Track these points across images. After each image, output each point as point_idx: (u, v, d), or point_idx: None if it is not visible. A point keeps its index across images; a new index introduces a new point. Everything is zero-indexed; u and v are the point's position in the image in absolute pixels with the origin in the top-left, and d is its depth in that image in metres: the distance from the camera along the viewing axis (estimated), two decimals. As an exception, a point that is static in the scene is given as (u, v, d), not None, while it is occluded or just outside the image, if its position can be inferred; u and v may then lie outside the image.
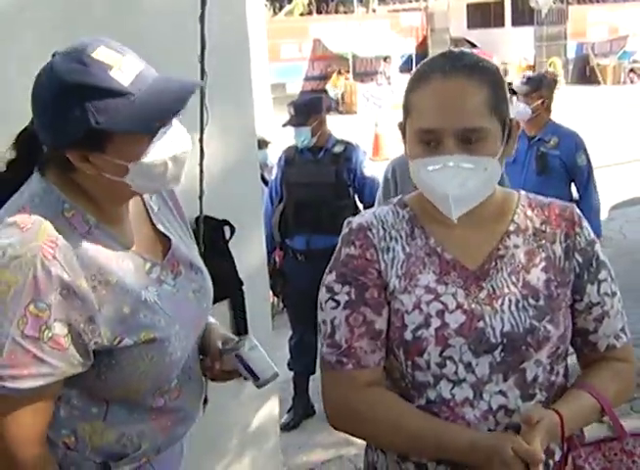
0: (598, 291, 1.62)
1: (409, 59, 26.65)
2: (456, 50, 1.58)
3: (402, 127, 1.57)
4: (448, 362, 1.51)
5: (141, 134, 1.45)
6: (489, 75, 1.50)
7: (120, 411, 1.58)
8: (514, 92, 4.83)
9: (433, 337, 1.51)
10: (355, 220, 1.63)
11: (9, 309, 1.38)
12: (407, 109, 1.53)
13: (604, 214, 6.89)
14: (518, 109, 4.77)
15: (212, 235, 2.77)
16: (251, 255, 3.03)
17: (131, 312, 1.49)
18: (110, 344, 1.47)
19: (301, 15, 32.89)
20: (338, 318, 1.55)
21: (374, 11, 33.04)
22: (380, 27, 27.99)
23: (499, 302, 1.53)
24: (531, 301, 1.54)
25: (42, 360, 1.40)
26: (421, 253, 1.57)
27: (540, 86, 4.88)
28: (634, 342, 1.72)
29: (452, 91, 1.46)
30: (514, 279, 1.56)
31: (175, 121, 1.51)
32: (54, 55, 1.46)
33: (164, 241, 1.66)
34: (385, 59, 26.43)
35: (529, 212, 1.64)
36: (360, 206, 4.52)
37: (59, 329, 1.41)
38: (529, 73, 5.63)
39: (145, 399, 1.60)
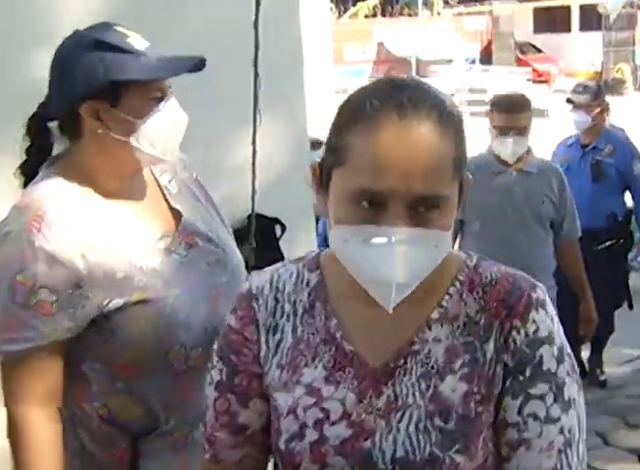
0: (520, 409, 1.15)
1: (473, 62, 26.53)
2: (409, 79, 1.17)
3: (321, 173, 1.15)
4: None
5: (150, 93, 1.62)
6: (455, 123, 1.12)
7: (144, 385, 1.68)
8: (571, 101, 4.84)
9: (307, 452, 1.16)
10: (250, 280, 1.27)
11: (2, 279, 1.55)
12: (338, 152, 1.10)
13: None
14: (576, 118, 4.78)
15: (264, 232, 2.89)
16: (301, 252, 3.12)
17: (124, 277, 1.61)
18: (99, 305, 1.59)
19: (366, 17, 32.98)
20: (209, 397, 1.25)
21: (439, 14, 32.98)
22: (444, 31, 27.95)
23: (397, 416, 1.15)
24: (438, 421, 1.14)
25: (29, 325, 1.55)
26: (315, 338, 1.19)
27: (600, 95, 4.89)
28: None
29: (411, 142, 1.06)
30: (423, 386, 1.15)
31: (174, 100, 1.67)
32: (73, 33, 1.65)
33: (178, 216, 1.77)
34: (448, 62, 26.37)
35: (465, 295, 1.19)
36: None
37: (45, 295, 1.55)
38: (584, 82, 5.63)
39: (159, 363, 1.67)
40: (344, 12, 34.21)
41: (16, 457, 1.61)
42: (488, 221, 3.46)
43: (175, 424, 1.72)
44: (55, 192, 1.61)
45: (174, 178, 1.82)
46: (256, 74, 2.48)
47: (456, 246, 3.38)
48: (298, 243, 3.09)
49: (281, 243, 3.01)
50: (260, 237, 2.82)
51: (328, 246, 1.18)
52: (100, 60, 1.57)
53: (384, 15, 33.37)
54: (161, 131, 1.64)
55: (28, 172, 1.70)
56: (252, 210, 2.74)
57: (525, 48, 29.97)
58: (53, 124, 1.70)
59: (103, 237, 1.61)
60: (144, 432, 1.71)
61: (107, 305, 1.60)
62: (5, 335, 1.56)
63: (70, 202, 1.61)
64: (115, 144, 1.63)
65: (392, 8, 35.11)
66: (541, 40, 30.44)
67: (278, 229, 3.00)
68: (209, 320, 1.70)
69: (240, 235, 2.83)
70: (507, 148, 3.40)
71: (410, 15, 31.96)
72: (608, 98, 5.02)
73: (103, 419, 1.68)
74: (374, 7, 34.40)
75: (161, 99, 1.63)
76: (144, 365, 1.67)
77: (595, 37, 27.85)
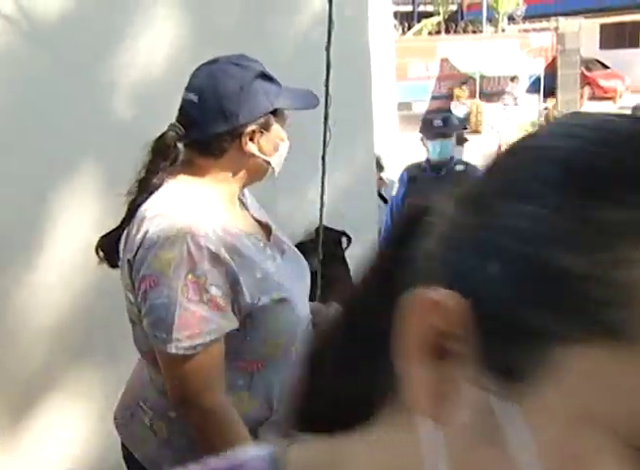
0: None
1: (537, 79, 26.28)
2: None
3: None
4: None
5: (285, 120, 1.85)
6: None
7: (263, 381, 1.83)
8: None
9: None
10: None
11: (172, 281, 1.66)
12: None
13: None
14: None
15: (331, 244, 3.01)
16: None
17: (262, 277, 1.76)
18: (251, 302, 1.73)
19: (430, 34, 32.97)
20: None
21: (503, 31, 32.79)
22: (509, 47, 27.74)
23: None
24: None
25: (207, 318, 1.67)
26: None
27: None
28: None
29: None
30: None
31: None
32: (215, 61, 1.81)
33: (265, 227, 1.96)
34: (512, 79, 26.18)
35: None
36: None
37: (215, 291, 1.68)
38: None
39: (285, 356, 1.83)
40: (409, 29, 34.25)
41: (223, 441, 1.68)
42: None
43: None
44: (200, 200, 1.77)
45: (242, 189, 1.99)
46: (327, 93, 2.60)
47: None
48: (362, 253, 3.19)
49: (347, 254, 3.13)
50: (327, 249, 2.95)
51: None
52: (263, 89, 1.78)
53: (447, 32, 33.30)
54: (285, 150, 1.88)
55: (146, 187, 1.81)
56: (320, 222, 2.86)
57: (591, 64, 29.54)
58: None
59: (237, 242, 1.76)
60: (259, 422, 1.84)
61: (257, 302, 1.75)
62: (185, 332, 1.67)
63: (213, 210, 1.78)
64: (257, 162, 1.83)
65: (456, 25, 35.00)
66: (608, 56, 30.00)
67: (344, 241, 3.12)
68: (307, 317, 1.92)
69: (308, 247, 2.96)
70: None
71: (474, 32, 31.84)
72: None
73: None
74: (438, 24, 34.38)
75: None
76: (271, 361, 1.82)
77: (664, 53, 27.37)
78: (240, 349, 1.78)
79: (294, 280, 1.89)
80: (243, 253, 1.75)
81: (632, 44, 31.45)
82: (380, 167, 6.58)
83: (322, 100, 2.63)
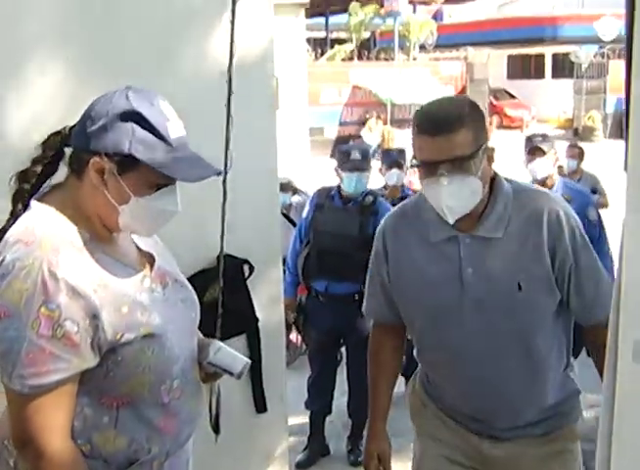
0: None
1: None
2: None
3: None
4: None
5: (157, 180, 1.68)
6: None
7: (130, 417, 1.72)
8: (541, 151, 4.91)
9: None
10: None
11: (23, 314, 1.55)
12: None
13: None
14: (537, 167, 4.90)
15: (232, 272, 2.92)
16: (267, 293, 3.17)
17: (129, 311, 1.66)
18: (113, 339, 1.63)
19: (343, 60, 33.36)
20: None
21: (414, 59, 33.43)
22: (419, 75, 28.28)
23: None
24: None
25: (58, 356, 1.57)
26: None
27: (553, 145, 5.01)
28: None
29: None
30: None
31: (176, 192, 1.74)
32: (128, 86, 1.70)
33: (149, 258, 1.85)
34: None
35: None
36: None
37: (69, 326, 1.57)
38: (541, 132, 5.75)
39: (152, 395, 1.74)
40: (322, 55, 34.61)
41: None
42: None
43: (155, 453, 1.77)
44: (62, 227, 1.67)
45: None
46: (229, 116, 2.53)
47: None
48: (265, 282, 3.13)
49: (248, 283, 3.05)
50: (229, 277, 2.87)
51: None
52: (132, 133, 1.63)
53: (360, 58, 33.77)
54: (149, 215, 1.72)
55: (14, 211, 1.75)
56: (221, 250, 2.77)
57: (499, 94, 30.40)
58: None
59: (105, 274, 1.67)
60: (127, 463, 1.73)
61: (119, 339, 1.65)
62: (31, 370, 1.56)
63: (76, 238, 1.67)
64: (106, 201, 1.69)
65: (369, 52, 35.57)
66: (515, 86, 30.93)
67: (246, 269, 3.04)
68: (190, 353, 1.85)
69: (209, 275, 2.87)
70: None
71: (386, 59, 32.39)
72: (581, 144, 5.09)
73: (85, 455, 1.69)
74: (351, 51, 34.83)
75: (165, 186, 1.70)
76: (137, 398, 1.72)
77: (567, 84, 28.35)
78: (103, 385, 1.69)
79: (173, 315, 1.80)
80: (109, 285, 1.66)
81: (538, 75, 32.53)
82: (293, 191, 6.55)
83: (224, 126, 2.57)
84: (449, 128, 2.01)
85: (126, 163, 1.65)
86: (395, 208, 2.47)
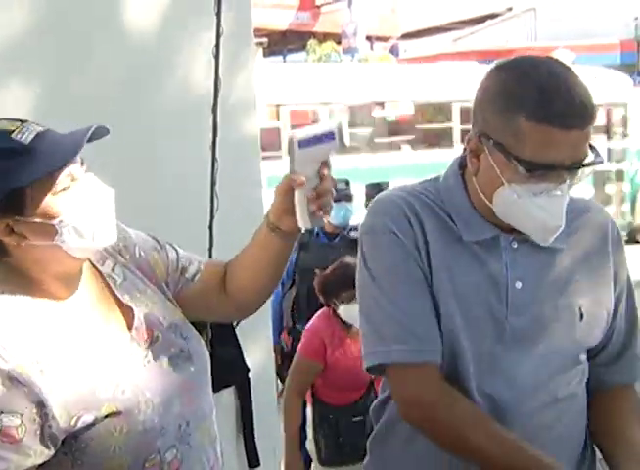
0: None
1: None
2: None
3: None
4: None
5: (57, 186, 1.43)
6: None
7: None
8: None
9: None
10: None
11: None
12: None
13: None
14: None
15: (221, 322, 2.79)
16: (257, 341, 3.05)
17: (89, 390, 1.44)
18: (67, 426, 1.41)
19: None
20: None
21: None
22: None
23: None
24: None
25: None
26: None
27: None
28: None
29: None
30: None
31: (92, 176, 1.50)
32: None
33: (130, 312, 1.61)
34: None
35: None
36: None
37: (8, 421, 1.35)
38: None
39: None
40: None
41: None
42: None
43: None
44: (1, 307, 1.45)
45: (117, 264, 1.66)
46: (214, 158, 2.46)
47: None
48: (255, 330, 3.01)
49: (237, 330, 2.91)
50: (216, 326, 2.74)
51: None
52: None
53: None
54: (83, 217, 1.46)
55: None
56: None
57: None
58: None
59: (59, 349, 1.45)
60: None
61: (75, 424, 1.42)
62: None
63: (20, 316, 1.45)
64: (44, 250, 1.46)
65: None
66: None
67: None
68: (183, 417, 1.58)
69: (196, 326, 2.73)
70: None
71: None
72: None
73: None
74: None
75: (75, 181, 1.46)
76: None
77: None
78: None
79: (155, 379, 1.56)
80: (61, 363, 1.43)
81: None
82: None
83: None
84: (589, 120, 1.46)
85: (17, 199, 1.41)
86: (398, 190, 1.74)
